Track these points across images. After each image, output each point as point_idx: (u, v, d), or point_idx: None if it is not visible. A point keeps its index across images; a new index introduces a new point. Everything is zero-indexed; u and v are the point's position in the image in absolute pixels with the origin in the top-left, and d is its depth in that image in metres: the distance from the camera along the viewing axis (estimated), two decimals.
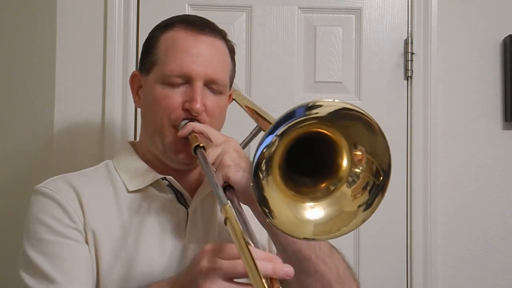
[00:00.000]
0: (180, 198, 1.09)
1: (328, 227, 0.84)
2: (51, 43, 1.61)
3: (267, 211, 0.80)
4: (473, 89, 1.71)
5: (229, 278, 0.73)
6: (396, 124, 1.68)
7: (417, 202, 1.67)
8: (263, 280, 0.65)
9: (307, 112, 0.77)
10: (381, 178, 0.83)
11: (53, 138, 1.59)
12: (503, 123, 1.71)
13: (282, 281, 0.70)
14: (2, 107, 1.61)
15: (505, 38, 1.70)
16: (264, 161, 0.78)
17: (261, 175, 0.79)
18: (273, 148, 0.78)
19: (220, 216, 0.91)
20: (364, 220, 0.83)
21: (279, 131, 0.77)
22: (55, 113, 1.59)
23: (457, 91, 1.71)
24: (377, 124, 0.80)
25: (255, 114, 1.13)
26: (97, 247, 1.01)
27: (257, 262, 0.66)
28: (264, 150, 0.78)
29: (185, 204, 1.09)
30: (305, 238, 0.85)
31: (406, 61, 1.69)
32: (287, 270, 0.71)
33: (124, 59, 1.62)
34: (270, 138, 0.77)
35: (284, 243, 0.95)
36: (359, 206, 0.84)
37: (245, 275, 0.69)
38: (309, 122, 0.79)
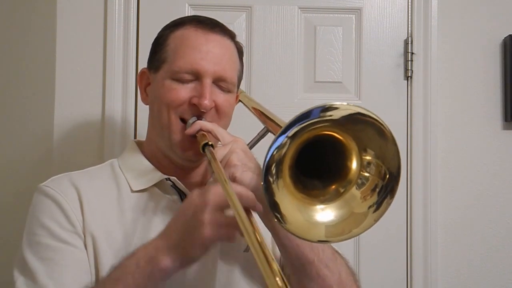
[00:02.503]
0: (184, 199, 1.08)
1: (340, 229, 0.84)
2: (51, 43, 1.60)
3: (279, 216, 0.79)
4: (473, 89, 1.71)
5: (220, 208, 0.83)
6: (396, 124, 1.68)
7: (417, 202, 1.66)
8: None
9: (321, 114, 0.77)
10: (390, 181, 0.83)
11: (53, 138, 1.59)
12: (503, 123, 1.71)
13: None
14: (1, 107, 1.61)
15: (505, 38, 1.70)
16: (274, 164, 0.78)
17: (271, 179, 0.78)
18: (284, 150, 0.78)
19: None
20: (375, 221, 0.83)
21: (291, 132, 0.76)
22: (55, 113, 1.59)
23: (457, 91, 1.71)
24: (389, 131, 0.80)
25: (263, 116, 1.12)
26: (96, 250, 1.00)
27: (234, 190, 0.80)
28: (275, 153, 0.77)
29: None
30: (318, 241, 0.85)
31: (406, 61, 1.69)
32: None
33: (124, 59, 1.62)
34: (282, 139, 0.77)
35: (287, 246, 0.94)
36: (369, 207, 0.84)
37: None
38: (322, 125, 0.78)
